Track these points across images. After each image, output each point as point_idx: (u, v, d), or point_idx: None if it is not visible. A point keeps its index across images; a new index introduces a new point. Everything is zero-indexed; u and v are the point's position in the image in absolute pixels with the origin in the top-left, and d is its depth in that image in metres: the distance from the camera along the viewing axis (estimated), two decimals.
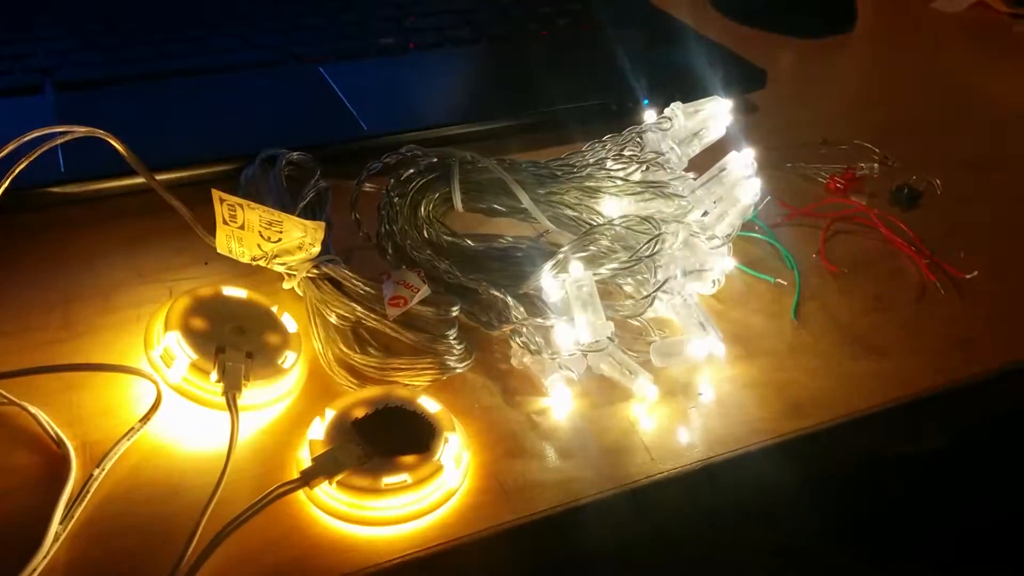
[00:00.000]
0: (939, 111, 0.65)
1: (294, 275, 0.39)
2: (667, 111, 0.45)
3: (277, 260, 0.39)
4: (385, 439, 0.34)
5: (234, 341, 0.36)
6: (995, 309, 0.45)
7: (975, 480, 0.57)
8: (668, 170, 0.43)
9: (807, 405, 0.39)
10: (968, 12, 0.82)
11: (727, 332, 0.42)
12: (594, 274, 0.39)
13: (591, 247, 0.40)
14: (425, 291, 0.37)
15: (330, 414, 0.35)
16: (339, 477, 0.32)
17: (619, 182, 0.42)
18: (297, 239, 0.38)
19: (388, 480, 0.32)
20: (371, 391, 0.36)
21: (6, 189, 0.37)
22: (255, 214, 0.37)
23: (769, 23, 0.75)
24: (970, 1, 0.82)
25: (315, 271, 0.39)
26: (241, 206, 0.37)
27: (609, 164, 0.43)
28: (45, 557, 0.30)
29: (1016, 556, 0.58)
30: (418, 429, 0.34)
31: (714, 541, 0.45)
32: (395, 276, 0.38)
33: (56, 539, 0.30)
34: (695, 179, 0.43)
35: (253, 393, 0.36)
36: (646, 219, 0.40)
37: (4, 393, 0.35)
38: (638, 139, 0.44)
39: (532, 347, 0.38)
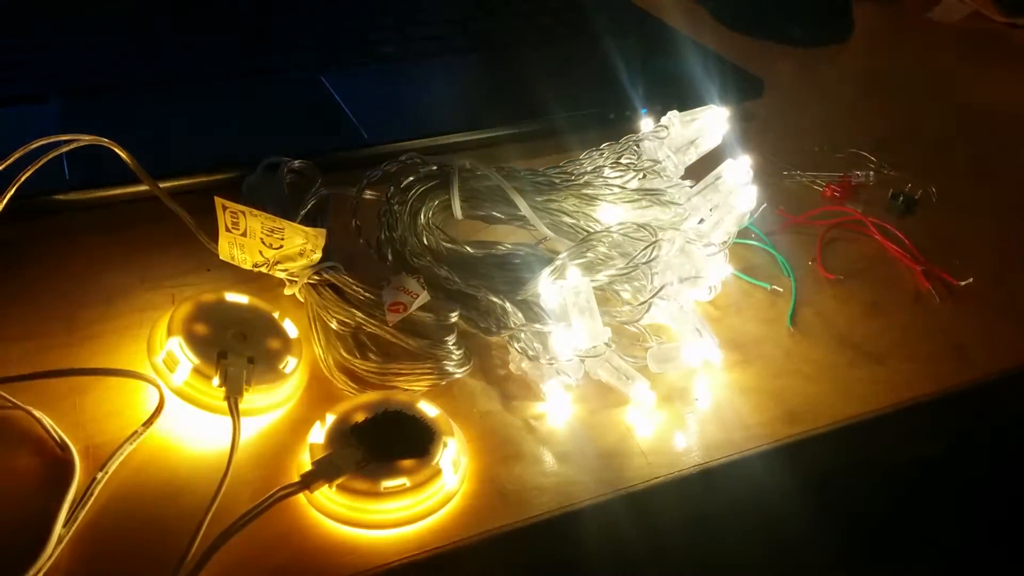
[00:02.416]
0: (935, 119, 0.65)
1: (295, 281, 0.40)
2: (664, 119, 0.46)
3: (279, 266, 0.39)
4: (384, 443, 0.34)
5: (236, 346, 0.37)
6: (990, 315, 0.46)
7: (972, 486, 0.57)
8: (665, 178, 0.43)
9: (803, 411, 0.39)
10: (964, 22, 0.82)
11: (723, 338, 0.42)
12: (591, 280, 0.39)
13: (589, 254, 0.40)
14: (424, 297, 0.38)
15: (330, 419, 0.35)
16: (339, 481, 0.33)
17: (616, 190, 0.43)
18: (298, 246, 0.38)
19: (387, 484, 0.33)
20: (371, 396, 0.36)
21: (12, 196, 0.37)
22: (257, 221, 0.38)
23: (767, 32, 0.75)
24: (966, 11, 0.83)
25: (316, 277, 0.39)
26: (243, 213, 0.38)
27: (607, 172, 0.44)
28: (49, 559, 0.30)
29: (1013, 562, 0.58)
30: (417, 433, 0.35)
31: (710, 546, 0.45)
32: (395, 282, 0.38)
33: (59, 542, 0.31)
34: (692, 187, 0.44)
35: (254, 398, 0.36)
36: (643, 226, 0.40)
37: (9, 397, 0.35)
38: (635, 147, 0.44)
39: (530, 353, 0.38)
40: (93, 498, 0.32)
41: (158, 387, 0.36)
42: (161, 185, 0.42)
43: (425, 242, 0.41)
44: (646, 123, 0.46)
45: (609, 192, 0.43)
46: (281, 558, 0.31)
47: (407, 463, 0.33)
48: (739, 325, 0.43)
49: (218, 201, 0.38)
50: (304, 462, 0.34)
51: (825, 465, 0.41)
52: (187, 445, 0.35)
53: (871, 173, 0.55)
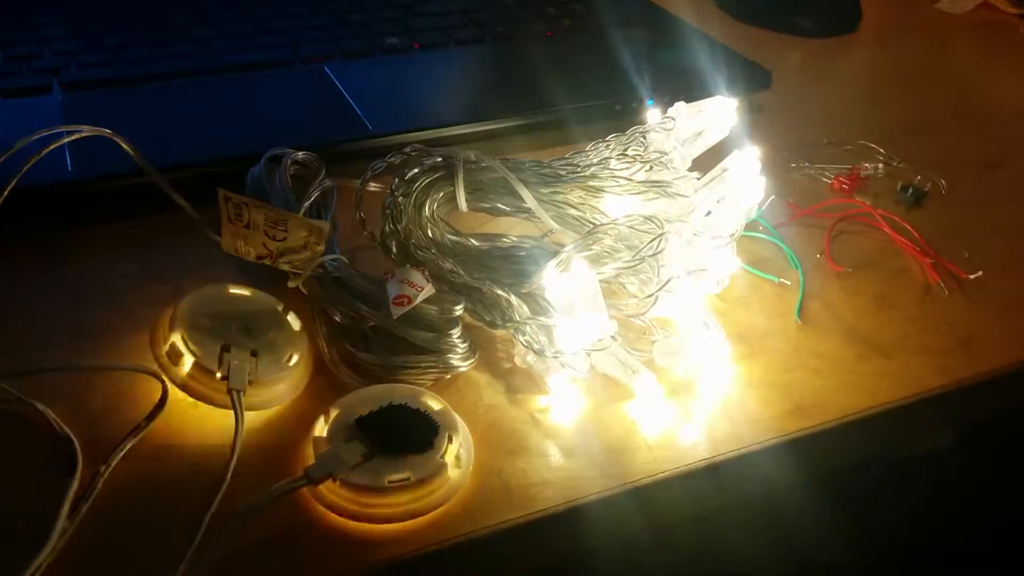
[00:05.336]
0: (944, 111, 0.65)
1: (299, 274, 0.39)
2: (671, 111, 0.45)
3: (282, 259, 0.39)
4: (389, 437, 0.34)
5: (239, 339, 0.37)
6: (1000, 308, 0.45)
7: (981, 479, 0.57)
8: (672, 170, 0.43)
9: (811, 405, 0.39)
10: (973, 13, 0.82)
11: (731, 331, 0.42)
12: (597, 273, 0.39)
13: (594, 246, 0.40)
14: (429, 290, 0.37)
15: (334, 412, 0.35)
16: (343, 475, 0.32)
17: (623, 182, 0.42)
18: (302, 238, 0.38)
19: (391, 478, 0.33)
20: (375, 389, 0.36)
21: (14, 188, 0.37)
22: (260, 213, 0.38)
23: (774, 23, 0.75)
24: (975, 2, 0.82)
25: (320, 270, 0.39)
26: (247, 205, 0.37)
27: (613, 164, 0.43)
28: (52, 552, 0.30)
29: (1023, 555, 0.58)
30: (421, 427, 0.34)
31: (717, 541, 0.45)
32: (399, 275, 0.38)
33: (62, 534, 0.31)
34: (699, 179, 0.43)
35: (258, 391, 0.36)
36: (649, 218, 0.40)
37: (12, 390, 0.35)
38: (642, 139, 0.44)
39: (535, 346, 0.38)
40: (96, 491, 0.32)
41: (161, 381, 0.36)
42: (164, 177, 0.42)
43: (430, 234, 0.41)
44: (653, 114, 0.46)
45: (615, 184, 0.42)
46: (284, 552, 0.31)
47: (411, 457, 0.33)
48: (746, 318, 0.43)
49: (221, 193, 0.37)
50: (308, 456, 0.34)
51: (834, 459, 0.40)
52: (190, 439, 0.35)
53: (880, 165, 0.55)
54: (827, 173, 0.54)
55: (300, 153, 0.45)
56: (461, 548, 0.32)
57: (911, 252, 0.48)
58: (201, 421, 0.36)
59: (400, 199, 0.41)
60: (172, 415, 0.36)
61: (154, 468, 0.34)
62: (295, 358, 0.37)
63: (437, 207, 0.41)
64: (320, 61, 0.59)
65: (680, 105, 0.45)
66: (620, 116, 0.55)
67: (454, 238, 0.41)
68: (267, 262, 0.40)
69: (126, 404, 0.36)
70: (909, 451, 0.48)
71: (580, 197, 0.42)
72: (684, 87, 0.55)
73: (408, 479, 0.33)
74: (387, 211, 0.41)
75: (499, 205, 0.42)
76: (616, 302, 0.40)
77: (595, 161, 0.43)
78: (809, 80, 0.68)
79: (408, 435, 0.34)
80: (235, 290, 0.39)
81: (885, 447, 0.44)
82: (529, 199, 0.41)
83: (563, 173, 0.43)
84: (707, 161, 0.45)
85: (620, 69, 0.59)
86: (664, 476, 0.35)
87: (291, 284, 0.40)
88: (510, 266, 0.41)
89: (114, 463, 0.33)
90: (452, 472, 0.34)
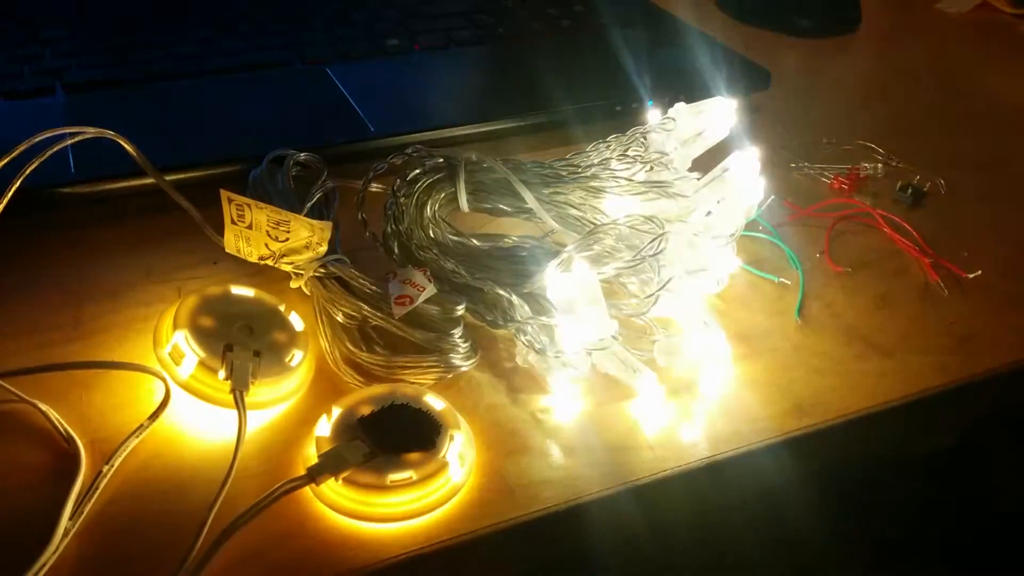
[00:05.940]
0: (943, 111, 0.65)
1: (301, 274, 0.40)
2: (671, 111, 0.45)
3: (285, 259, 0.39)
4: (391, 436, 0.34)
5: (242, 340, 0.37)
6: (999, 307, 0.45)
7: (981, 478, 0.57)
8: (672, 170, 0.43)
9: (811, 404, 0.39)
10: (973, 13, 0.82)
11: (731, 331, 0.42)
12: (598, 273, 0.39)
13: (595, 246, 0.40)
14: (431, 290, 0.38)
15: (336, 412, 0.35)
16: (345, 474, 0.33)
17: (623, 182, 0.42)
18: (304, 239, 0.38)
19: (394, 477, 0.33)
20: (377, 389, 0.36)
21: (17, 189, 0.37)
22: (263, 214, 0.38)
23: (773, 23, 0.75)
24: (975, 2, 0.82)
25: (322, 270, 0.39)
26: (249, 206, 0.38)
27: (613, 164, 0.43)
28: (55, 552, 0.30)
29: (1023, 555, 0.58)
30: (423, 426, 0.34)
31: (717, 539, 0.45)
32: (401, 275, 0.38)
33: (66, 534, 0.31)
34: (699, 179, 0.43)
35: (260, 391, 0.36)
36: (650, 219, 0.40)
37: (15, 390, 0.35)
38: (642, 139, 0.44)
39: (537, 345, 0.38)
40: (99, 491, 0.32)
41: (164, 380, 0.36)
42: (167, 178, 0.42)
43: (431, 235, 0.41)
44: (653, 115, 0.46)
45: (616, 184, 0.42)
46: (287, 551, 0.31)
47: (414, 456, 0.33)
48: (746, 318, 0.43)
49: (224, 194, 0.38)
50: (310, 455, 0.34)
51: (833, 458, 0.40)
52: (193, 438, 0.35)
53: (879, 165, 0.55)
54: (826, 173, 0.54)
55: (302, 154, 0.45)
56: (463, 547, 0.32)
57: (910, 252, 0.48)
58: (204, 421, 0.36)
59: (402, 200, 0.41)
60: (175, 415, 0.36)
61: (157, 468, 0.34)
62: (297, 358, 0.37)
63: (439, 208, 0.41)
64: (321, 62, 0.59)
65: (680, 106, 0.46)
66: (620, 117, 0.55)
67: (456, 238, 0.41)
68: (269, 263, 0.40)
69: (129, 404, 0.36)
70: (909, 450, 0.48)
71: (581, 197, 0.42)
72: (684, 87, 0.56)
73: (410, 478, 0.33)
74: (389, 212, 0.41)
75: (500, 205, 0.42)
76: (617, 302, 0.40)
77: (596, 161, 0.44)
78: (809, 80, 0.68)
79: (410, 434, 0.34)
80: (237, 290, 0.39)
81: (885, 446, 0.44)
82: (530, 199, 0.41)
83: (564, 173, 0.43)
84: (707, 161, 0.45)
85: (620, 70, 0.59)
86: (665, 475, 0.35)
87: (293, 285, 0.40)
88: (511, 266, 0.41)
89: (117, 463, 0.33)
90: (454, 471, 0.34)
